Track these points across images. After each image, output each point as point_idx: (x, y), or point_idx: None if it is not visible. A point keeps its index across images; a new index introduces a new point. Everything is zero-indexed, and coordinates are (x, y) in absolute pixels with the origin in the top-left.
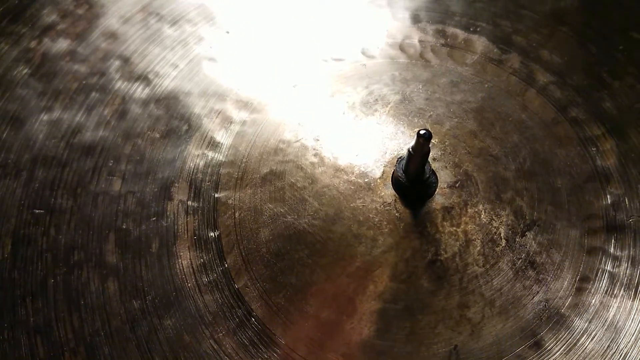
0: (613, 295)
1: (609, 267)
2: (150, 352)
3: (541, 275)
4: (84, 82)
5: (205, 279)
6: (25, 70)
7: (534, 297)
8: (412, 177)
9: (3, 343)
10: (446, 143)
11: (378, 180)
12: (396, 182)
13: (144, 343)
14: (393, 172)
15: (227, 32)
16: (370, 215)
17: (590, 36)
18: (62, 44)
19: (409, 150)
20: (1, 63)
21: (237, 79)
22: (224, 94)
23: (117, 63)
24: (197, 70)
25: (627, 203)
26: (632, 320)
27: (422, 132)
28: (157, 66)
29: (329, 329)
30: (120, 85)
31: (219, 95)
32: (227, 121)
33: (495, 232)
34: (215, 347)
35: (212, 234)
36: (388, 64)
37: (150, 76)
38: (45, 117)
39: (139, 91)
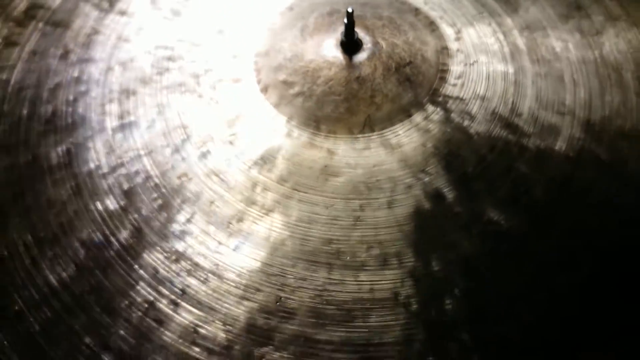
0: (462, 99)
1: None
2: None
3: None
4: None
5: (243, 93)
6: None
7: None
8: (348, 38)
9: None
10: (369, 27)
11: (333, 44)
12: (341, 44)
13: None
14: (340, 39)
15: None
16: (330, 60)
17: None
18: None
19: (344, 23)
20: None
21: None
22: None
23: None
24: None
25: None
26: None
27: (349, 10)
28: None
29: (318, 102)
30: None
31: None
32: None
33: (389, 65)
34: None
35: (248, 69)
36: None
37: None
38: None
39: None
